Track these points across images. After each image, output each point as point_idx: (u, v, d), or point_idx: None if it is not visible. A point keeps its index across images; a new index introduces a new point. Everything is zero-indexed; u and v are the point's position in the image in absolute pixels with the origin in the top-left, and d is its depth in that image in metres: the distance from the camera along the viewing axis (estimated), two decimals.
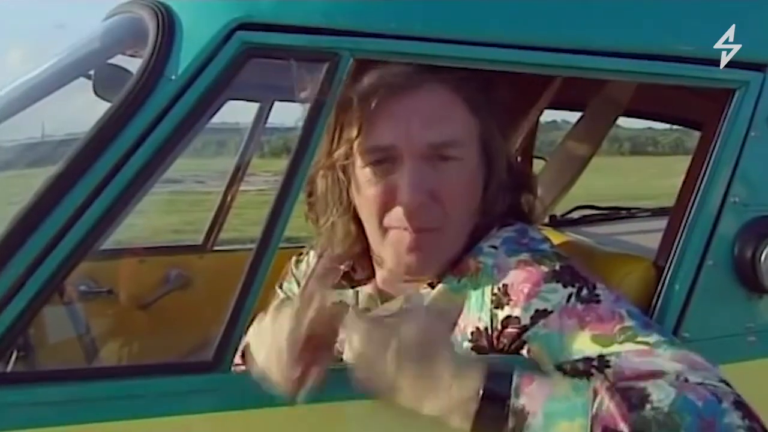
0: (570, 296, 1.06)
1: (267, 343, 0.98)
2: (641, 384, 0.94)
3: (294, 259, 1.44)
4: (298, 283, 1.39)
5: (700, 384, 0.95)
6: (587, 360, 1.02)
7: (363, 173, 1.15)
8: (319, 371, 0.96)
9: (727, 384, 0.98)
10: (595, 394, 0.92)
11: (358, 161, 1.15)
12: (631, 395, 0.92)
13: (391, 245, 1.16)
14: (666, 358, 0.99)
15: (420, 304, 0.97)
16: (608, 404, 0.90)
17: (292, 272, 1.44)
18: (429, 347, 0.94)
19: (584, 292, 1.06)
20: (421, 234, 1.13)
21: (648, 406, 0.90)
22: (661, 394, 0.91)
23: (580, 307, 1.05)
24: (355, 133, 1.13)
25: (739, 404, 0.94)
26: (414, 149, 1.11)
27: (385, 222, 1.15)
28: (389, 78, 1.10)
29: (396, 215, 1.13)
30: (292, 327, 0.95)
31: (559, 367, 1.05)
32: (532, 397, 0.92)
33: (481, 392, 0.92)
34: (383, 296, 1.24)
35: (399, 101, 1.11)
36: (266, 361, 0.97)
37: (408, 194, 1.11)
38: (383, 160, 1.13)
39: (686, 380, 0.96)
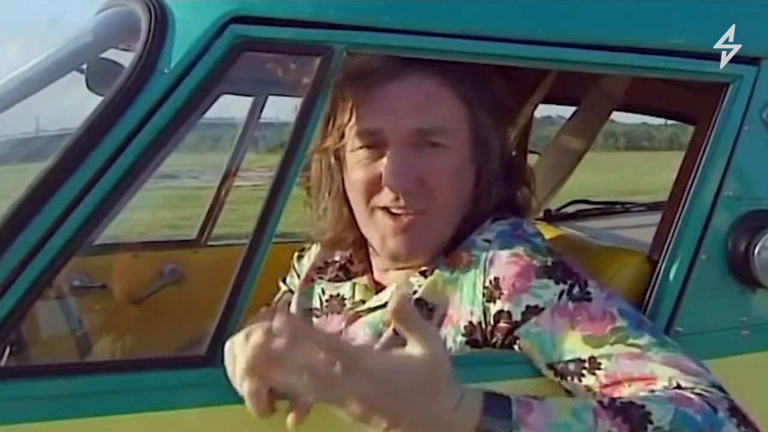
0: (562, 293, 1.06)
1: (236, 375, 0.95)
2: (640, 400, 0.93)
3: (296, 254, 1.44)
4: (300, 278, 1.39)
5: (693, 391, 0.95)
6: (579, 361, 1.02)
7: (352, 157, 1.17)
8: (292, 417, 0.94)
9: (719, 388, 0.98)
10: (596, 418, 0.90)
11: (348, 146, 1.17)
12: (632, 416, 0.91)
13: (376, 229, 1.17)
14: (658, 362, 0.99)
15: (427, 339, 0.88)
16: (611, 429, 0.90)
17: (294, 267, 1.45)
18: (429, 384, 0.88)
19: (576, 289, 1.06)
20: (407, 218, 1.14)
21: (650, 426, 0.90)
22: (660, 411, 0.91)
23: (571, 305, 1.05)
24: (345, 118, 1.15)
25: (734, 410, 0.94)
26: (399, 135, 1.12)
27: (372, 203, 1.16)
28: (376, 65, 1.11)
29: (382, 197, 1.14)
30: (251, 383, 0.92)
31: (550, 367, 1.05)
32: (532, 428, 0.89)
33: (481, 428, 0.89)
34: (378, 287, 1.24)
35: (385, 88, 1.12)
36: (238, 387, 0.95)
37: (392, 179, 1.12)
38: (371, 145, 1.14)
39: (679, 386, 0.96)
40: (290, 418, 0.94)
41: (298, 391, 0.87)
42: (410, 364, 0.87)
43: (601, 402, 0.94)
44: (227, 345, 0.98)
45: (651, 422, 0.90)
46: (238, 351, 0.94)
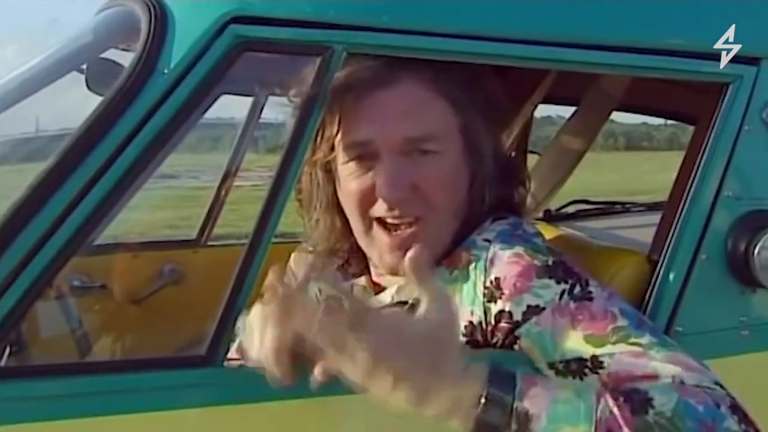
0: (563, 293, 1.06)
1: (255, 342, 0.98)
2: (643, 386, 0.94)
3: (293, 255, 1.44)
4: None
5: (696, 387, 0.95)
6: (580, 360, 1.03)
7: (344, 169, 1.16)
8: (321, 367, 0.93)
9: (721, 386, 0.98)
10: (599, 397, 0.91)
11: (340, 157, 1.16)
12: (634, 399, 0.91)
13: (374, 244, 1.17)
14: (660, 360, 0.99)
15: (439, 297, 0.92)
16: (612, 408, 0.90)
17: (290, 269, 1.44)
18: (437, 343, 0.90)
19: (577, 289, 1.06)
20: (403, 232, 1.14)
21: (651, 411, 0.90)
22: (663, 398, 0.91)
23: (572, 305, 1.05)
24: (335, 129, 1.14)
25: (735, 408, 0.94)
26: (390, 144, 1.11)
27: (368, 216, 1.16)
28: (364, 74, 1.11)
29: (377, 208, 1.14)
30: (275, 334, 0.94)
31: (552, 366, 1.05)
32: (535, 400, 0.90)
33: (484, 394, 0.90)
34: (377, 289, 1.24)
35: (374, 97, 1.11)
36: (258, 359, 0.97)
37: (386, 189, 1.11)
38: (362, 156, 1.14)
39: (682, 382, 0.96)
40: (317, 370, 0.93)
41: (313, 333, 0.88)
42: (419, 322, 0.90)
43: (604, 384, 0.95)
44: (240, 322, 1.00)
45: (653, 407, 0.91)
46: (256, 315, 0.97)
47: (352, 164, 1.15)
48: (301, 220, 1.31)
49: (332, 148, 1.16)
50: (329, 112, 1.13)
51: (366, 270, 1.27)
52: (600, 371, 1.01)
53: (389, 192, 1.11)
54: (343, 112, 1.13)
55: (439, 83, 1.13)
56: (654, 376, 0.98)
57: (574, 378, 1.03)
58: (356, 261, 1.29)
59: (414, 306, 1.14)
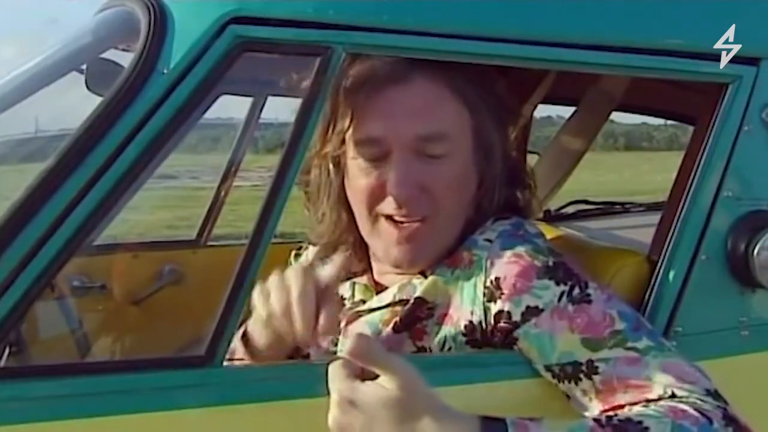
0: (562, 295, 1.06)
1: (279, 299, 1.02)
2: (637, 417, 0.94)
3: (293, 253, 1.44)
4: None
5: (688, 400, 0.96)
6: (576, 364, 1.03)
7: (354, 164, 1.16)
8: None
9: (714, 395, 0.99)
10: None
11: (350, 153, 1.16)
12: None
13: (380, 237, 1.17)
14: (654, 368, 1.00)
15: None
16: None
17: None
18: (405, 410, 0.90)
19: (576, 291, 1.07)
20: (410, 226, 1.14)
21: None
22: (658, 426, 0.92)
23: (571, 308, 1.05)
24: (346, 124, 1.14)
25: (729, 419, 0.95)
26: (402, 142, 1.11)
27: (375, 212, 1.15)
28: (379, 71, 1.11)
29: (385, 206, 1.14)
30: (301, 282, 1.00)
31: (548, 369, 1.06)
32: None
33: None
34: (378, 287, 1.24)
35: (388, 94, 1.11)
36: (281, 317, 1.02)
37: (396, 187, 1.11)
38: (373, 152, 1.13)
39: (674, 394, 0.97)
40: None
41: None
42: (381, 394, 0.90)
43: (598, 420, 0.95)
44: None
45: None
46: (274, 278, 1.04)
47: (362, 160, 1.15)
48: (302, 220, 1.31)
49: (343, 142, 1.16)
50: (342, 106, 1.13)
51: (368, 269, 1.27)
52: (594, 377, 1.02)
53: (399, 191, 1.11)
54: (356, 107, 1.13)
55: (454, 84, 1.13)
56: (646, 386, 0.99)
57: (569, 382, 1.04)
58: (358, 259, 1.29)
59: (414, 304, 1.15)
